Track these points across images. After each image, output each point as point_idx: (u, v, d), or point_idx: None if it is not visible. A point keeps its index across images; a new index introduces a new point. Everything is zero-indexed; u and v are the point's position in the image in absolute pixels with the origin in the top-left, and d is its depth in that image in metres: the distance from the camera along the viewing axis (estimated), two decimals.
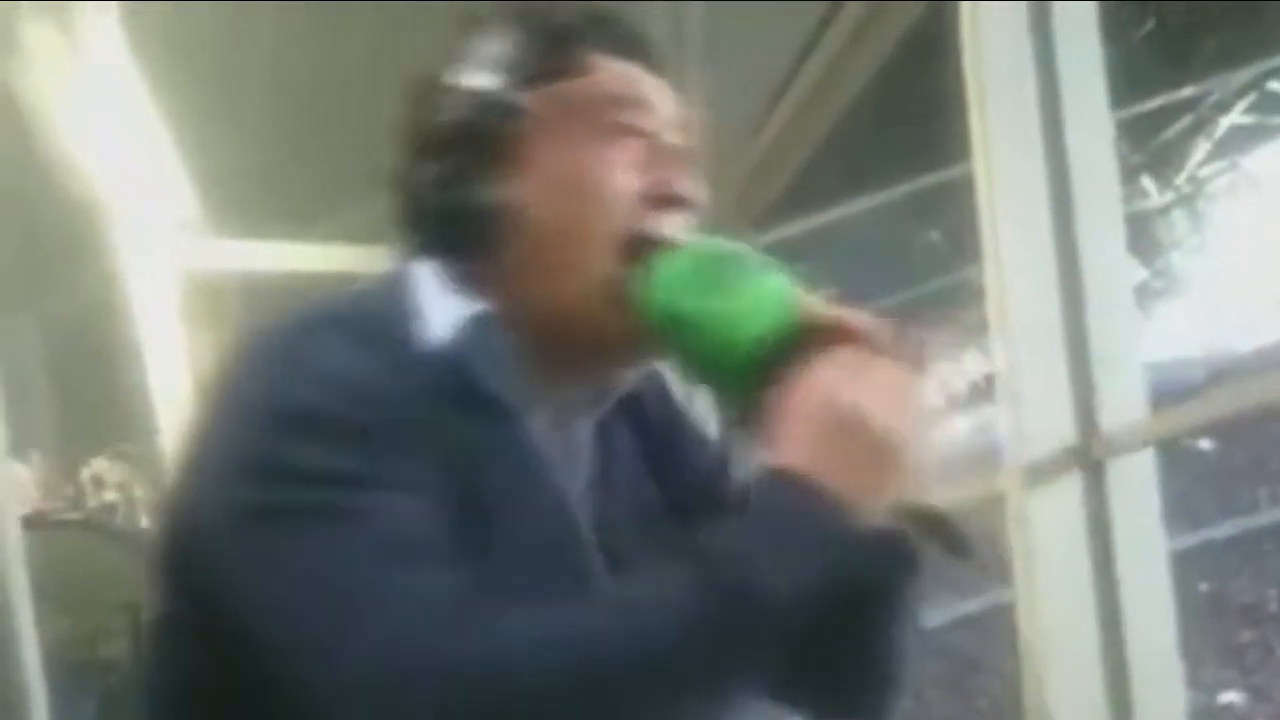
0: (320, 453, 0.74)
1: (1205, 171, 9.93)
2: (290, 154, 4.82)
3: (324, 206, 5.19)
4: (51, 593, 1.61)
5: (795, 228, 4.77)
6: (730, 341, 0.77)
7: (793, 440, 0.74)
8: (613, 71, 0.85)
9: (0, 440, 1.55)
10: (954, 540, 0.77)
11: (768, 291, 0.79)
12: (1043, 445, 1.92)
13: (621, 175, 0.83)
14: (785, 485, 0.73)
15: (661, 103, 0.87)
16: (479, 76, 0.84)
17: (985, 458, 2.24)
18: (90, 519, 2.60)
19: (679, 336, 0.79)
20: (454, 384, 0.77)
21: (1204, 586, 10.45)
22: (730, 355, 0.77)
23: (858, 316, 0.79)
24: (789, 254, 0.87)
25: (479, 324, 0.80)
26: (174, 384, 4.24)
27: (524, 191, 0.83)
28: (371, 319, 0.79)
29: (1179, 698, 1.93)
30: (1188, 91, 8.76)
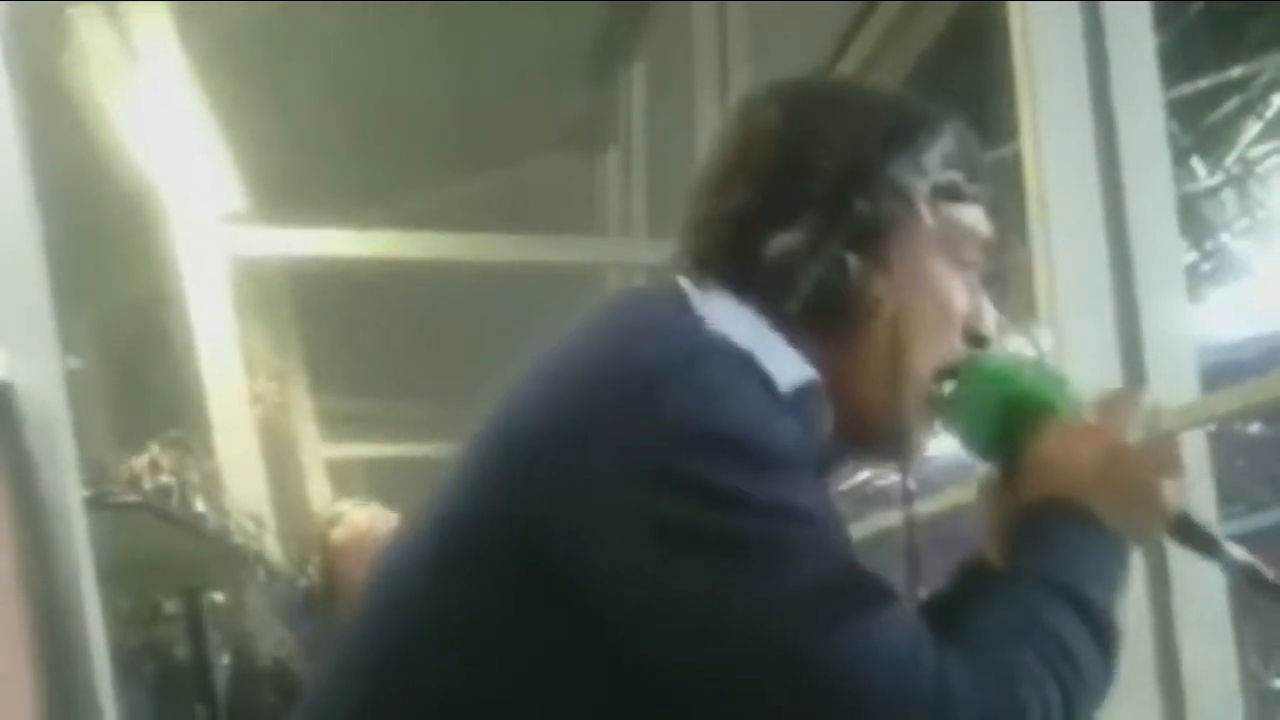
0: (754, 479, 0.74)
1: (1255, 152, 9.75)
2: (338, 144, 4.86)
3: (371, 195, 5.23)
4: (110, 575, 1.63)
5: None
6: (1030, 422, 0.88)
7: (1071, 479, 0.83)
8: (980, 208, 0.92)
9: (64, 422, 1.58)
10: (1232, 562, 0.88)
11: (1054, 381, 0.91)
12: None
13: (962, 305, 0.90)
14: (1076, 514, 0.82)
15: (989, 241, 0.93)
16: (903, 168, 0.86)
17: None
18: (147, 502, 2.64)
19: (987, 421, 0.89)
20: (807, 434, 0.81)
21: None
22: (1020, 430, 0.88)
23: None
24: None
25: (815, 390, 0.84)
26: (225, 368, 4.31)
27: (887, 287, 0.86)
28: (739, 354, 0.79)
29: (1232, 681, 1.91)
30: (1237, 72, 8.59)
